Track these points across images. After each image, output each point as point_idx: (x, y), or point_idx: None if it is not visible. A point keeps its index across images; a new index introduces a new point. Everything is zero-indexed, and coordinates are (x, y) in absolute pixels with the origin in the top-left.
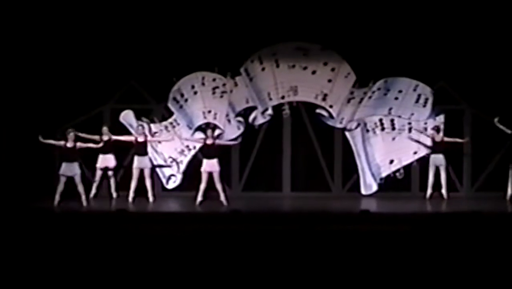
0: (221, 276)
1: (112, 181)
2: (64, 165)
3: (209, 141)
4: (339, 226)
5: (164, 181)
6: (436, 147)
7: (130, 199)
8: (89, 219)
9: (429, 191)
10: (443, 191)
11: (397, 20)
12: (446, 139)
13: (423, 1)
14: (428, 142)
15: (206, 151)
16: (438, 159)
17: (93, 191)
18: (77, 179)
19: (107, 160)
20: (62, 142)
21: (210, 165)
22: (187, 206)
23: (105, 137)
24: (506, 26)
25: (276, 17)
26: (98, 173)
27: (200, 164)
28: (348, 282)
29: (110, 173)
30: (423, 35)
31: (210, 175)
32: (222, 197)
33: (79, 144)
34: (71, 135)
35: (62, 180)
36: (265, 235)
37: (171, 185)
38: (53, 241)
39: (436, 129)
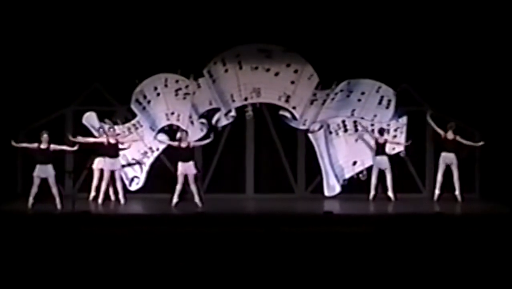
0: (184, 278)
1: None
2: (38, 167)
3: (184, 144)
4: (303, 228)
5: (127, 182)
6: (379, 149)
7: (101, 201)
8: (54, 221)
9: (372, 192)
10: (390, 193)
11: (360, 22)
12: (389, 140)
13: (385, 3)
14: (372, 143)
15: (181, 154)
16: (382, 161)
17: (101, 196)
18: (51, 181)
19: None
20: (35, 145)
21: (185, 168)
22: (150, 208)
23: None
24: (468, 29)
25: (239, 19)
26: (96, 175)
27: (164, 166)
28: (311, 283)
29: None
30: (385, 37)
31: (185, 177)
32: (197, 198)
33: (53, 146)
34: (44, 137)
35: (36, 182)
36: (228, 237)
37: (133, 187)
38: (17, 244)
39: (380, 131)
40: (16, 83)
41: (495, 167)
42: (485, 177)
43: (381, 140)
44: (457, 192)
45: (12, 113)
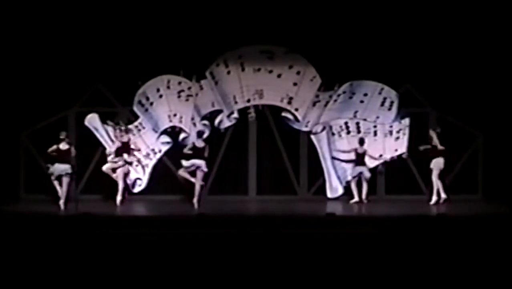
0: (186, 280)
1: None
2: (56, 165)
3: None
4: (305, 229)
5: (129, 184)
6: (358, 159)
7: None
8: (56, 222)
9: (356, 198)
10: (363, 196)
11: (363, 23)
12: (368, 152)
13: (387, 5)
14: (352, 156)
15: (196, 154)
16: (361, 170)
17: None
18: (66, 180)
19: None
20: (55, 147)
21: (197, 164)
22: (152, 209)
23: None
24: (470, 30)
25: (241, 20)
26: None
27: (166, 167)
28: (314, 285)
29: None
30: (388, 39)
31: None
32: (195, 200)
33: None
34: (64, 137)
35: (56, 182)
36: (230, 238)
37: (136, 189)
38: (18, 245)
39: (360, 141)
40: (18, 85)
41: (498, 168)
42: (488, 178)
43: (360, 151)
44: (436, 194)
45: (15, 115)
